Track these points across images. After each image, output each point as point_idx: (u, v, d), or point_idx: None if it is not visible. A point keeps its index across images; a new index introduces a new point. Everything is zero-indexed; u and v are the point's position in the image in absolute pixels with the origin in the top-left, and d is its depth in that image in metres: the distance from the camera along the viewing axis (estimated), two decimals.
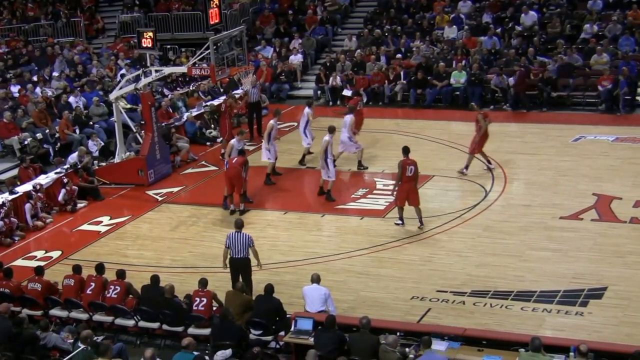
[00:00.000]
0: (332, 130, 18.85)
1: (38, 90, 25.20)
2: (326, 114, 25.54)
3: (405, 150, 16.81)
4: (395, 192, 16.87)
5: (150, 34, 21.27)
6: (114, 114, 21.71)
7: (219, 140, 23.59)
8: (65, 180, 19.51)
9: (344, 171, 20.86)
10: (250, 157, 22.55)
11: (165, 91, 26.55)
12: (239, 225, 14.26)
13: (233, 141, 19.13)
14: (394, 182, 19.06)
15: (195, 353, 11.32)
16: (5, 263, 15.80)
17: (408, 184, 16.49)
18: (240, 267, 14.05)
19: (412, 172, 16.44)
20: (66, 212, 19.30)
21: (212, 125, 24.48)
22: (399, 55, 27.86)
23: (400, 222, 16.82)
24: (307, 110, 20.99)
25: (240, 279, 13.82)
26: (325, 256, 15.88)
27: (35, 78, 26.63)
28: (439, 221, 16.81)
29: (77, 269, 14.40)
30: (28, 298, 14.19)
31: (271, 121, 20.25)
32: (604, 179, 18.90)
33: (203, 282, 13.43)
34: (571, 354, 10.80)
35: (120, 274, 14.03)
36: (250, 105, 24.08)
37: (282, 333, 12.60)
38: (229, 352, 11.88)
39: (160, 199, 19.79)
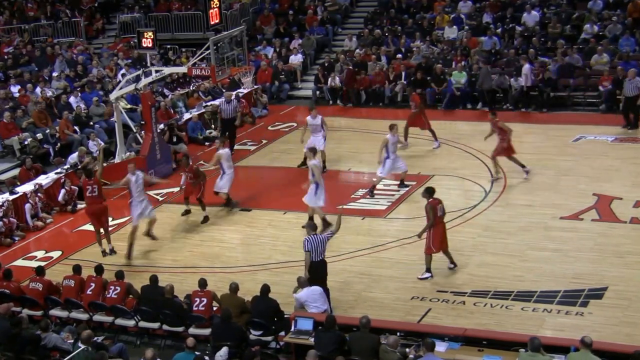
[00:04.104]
0: (391, 127, 18.36)
1: (38, 90, 25.19)
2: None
3: (430, 192, 14.66)
4: (426, 237, 14.70)
5: (150, 34, 21.28)
6: (114, 114, 21.71)
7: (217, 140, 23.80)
8: (63, 180, 19.52)
9: (344, 171, 20.88)
10: (249, 159, 22.60)
11: (166, 91, 26.54)
12: (315, 227, 13.93)
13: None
14: (396, 182, 19.17)
15: (196, 353, 11.33)
16: (5, 263, 15.82)
17: (442, 224, 14.68)
18: (320, 269, 13.53)
19: (443, 211, 14.68)
20: (66, 212, 19.31)
21: (212, 126, 24.47)
22: (399, 56, 27.84)
23: (429, 274, 14.76)
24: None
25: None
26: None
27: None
28: None
29: (77, 269, 14.42)
30: (28, 298, 14.20)
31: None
32: (604, 179, 18.87)
33: (202, 283, 13.44)
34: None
35: (120, 275, 14.05)
36: (223, 122, 22.69)
37: (282, 333, 12.61)
38: (226, 350, 11.86)
39: (160, 199, 19.79)
